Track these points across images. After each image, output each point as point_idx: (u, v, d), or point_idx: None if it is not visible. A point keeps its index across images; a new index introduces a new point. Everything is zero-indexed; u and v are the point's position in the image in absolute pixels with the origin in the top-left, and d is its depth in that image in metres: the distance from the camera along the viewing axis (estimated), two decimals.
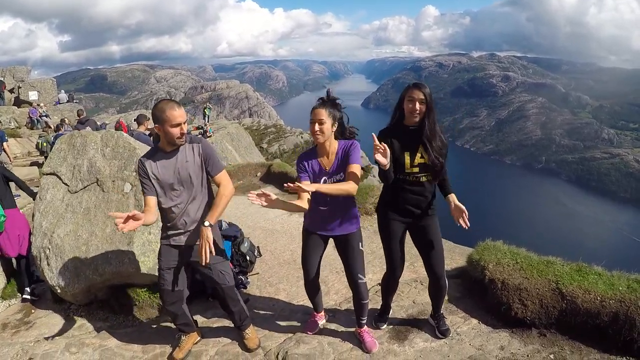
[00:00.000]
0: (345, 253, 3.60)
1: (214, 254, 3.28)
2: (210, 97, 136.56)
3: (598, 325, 3.51)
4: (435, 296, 3.78)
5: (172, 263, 3.59)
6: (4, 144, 13.92)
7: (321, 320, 4.16)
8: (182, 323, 3.84)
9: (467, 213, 3.31)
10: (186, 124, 3.32)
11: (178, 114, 3.20)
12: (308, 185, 3.00)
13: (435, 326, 3.87)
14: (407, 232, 3.64)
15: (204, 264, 3.25)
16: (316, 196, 3.23)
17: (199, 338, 4.07)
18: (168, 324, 4.52)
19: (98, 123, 18.26)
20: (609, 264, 4.11)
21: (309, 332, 4.03)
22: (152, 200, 3.41)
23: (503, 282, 4.02)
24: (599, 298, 3.56)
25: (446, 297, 4.47)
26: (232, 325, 4.06)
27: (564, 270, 3.97)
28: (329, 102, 3.30)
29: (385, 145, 3.04)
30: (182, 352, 3.85)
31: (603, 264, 4.10)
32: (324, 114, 3.23)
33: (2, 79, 30.66)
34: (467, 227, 3.27)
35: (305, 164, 3.45)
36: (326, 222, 3.54)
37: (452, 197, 3.47)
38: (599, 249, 55.16)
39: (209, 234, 3.25)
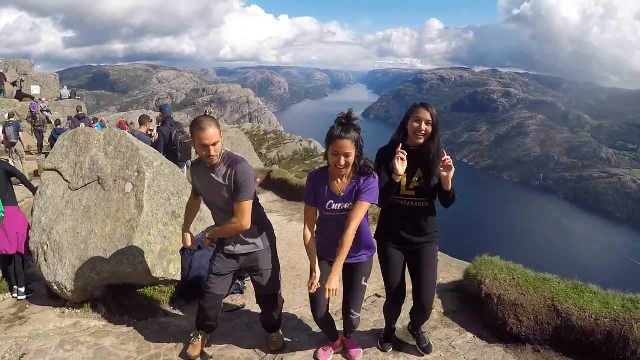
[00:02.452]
0: (346, 284, 3.44)
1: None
2: (211, 100, 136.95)
3: (592, 343, 3.54)
4: (415, 319, 3.71)
5: (223, 270, 3.60)
6: (20, 133, 14.67)
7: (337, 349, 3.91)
8: (209, 324, 3.82)
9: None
10: (218, 145, 3.19)
11: (205, 135, 3.11)
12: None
13: (417, 344, 3.80)
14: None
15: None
16: (327, 221, 3.26)
17: (209, 338, 4.04)
18: (163, 326, 4.53)
19: (90, 118, 20.15)
20: (604, 283, 4.14)
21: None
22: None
23: (499, 297, 4.03)
24: (593, 316, 3.59)
25: (442, 310, 4.50)
26: (226, 330, 4.13)
27: (560, 288, 4.00)
28: (351, 126, 2.97)
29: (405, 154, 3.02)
30: (197, 350, 3.82)
31: (598, 283, 4.12)
32: (350, 146, 2.94)
33: (2, 71, 30.68)
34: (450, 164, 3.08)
35: (313, 184, 3.27)
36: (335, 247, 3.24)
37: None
38: (594, 268, 55.20)
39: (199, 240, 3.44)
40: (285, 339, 4.09)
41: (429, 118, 3.14)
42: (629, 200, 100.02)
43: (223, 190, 3.34)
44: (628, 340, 3.37)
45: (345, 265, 3.24)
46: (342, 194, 3.17)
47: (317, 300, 3.37)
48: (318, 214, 3.33)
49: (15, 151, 14.48)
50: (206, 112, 36.06)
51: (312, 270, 3.24)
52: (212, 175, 3.34)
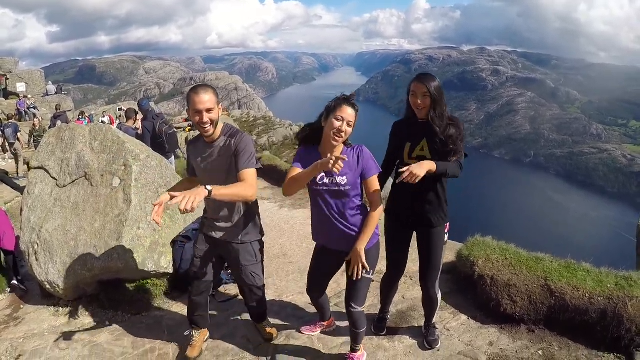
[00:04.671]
0: (348, 275, 3.21)
1: (196, 206, 2.59)
2: None
3: (586, 322, 3.55)
4: (426, 306, 3.68)
5: (206, 253, 3.53)
6: (18, 134, 15.44)
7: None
8: (200, 315, 3.75)
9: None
10: (212, 112, 3.05)
11: (199, 99, 2.99)
12: None
13: (425, 336, 3.76)
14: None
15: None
16: (318, 199, 3.10)
17: (208, 335, 3.99)
18: (157, 319, 4.51)
19: (66, 115, 20.42)
20: (597, 260, 4.15)
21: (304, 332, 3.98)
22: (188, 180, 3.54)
23: (492, 278, 4.04)
24: (587, 295, 3.60)
25: None
26: (220, 320, 4.14)
27: (553, 267, 4.01)
28: (354, 104, 2.93)
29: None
30: (195, 350, 3.76)
31: (591, 260, 4.13)
32: (354, 117, 2.89)
33: (1, 72, 30.79)
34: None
35: (304, 153, 3.11)
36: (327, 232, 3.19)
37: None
38: (587, 244, 55.69)
39: (199, 193, 2.66)
40: (280, 326, 4.11)
41: (425, 90, 3.08)
42: (619, 175, 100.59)
43: (225, 162, 3.20)
44: (622, 318, 3.38)
45: (347, 255, 3.14)
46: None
47: (313, 280, 3.49)
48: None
49: (15, 150, 15.09)
50: None
51: (315, 168, 2.73)
52: (214, 146, 3.23)
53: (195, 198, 2.53)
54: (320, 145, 3.05)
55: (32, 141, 16.63)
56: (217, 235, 3.46)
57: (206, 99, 3.01)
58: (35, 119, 17.82)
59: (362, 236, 3.00)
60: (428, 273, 3.43)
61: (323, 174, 2.97)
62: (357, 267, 3.02)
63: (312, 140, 3.09)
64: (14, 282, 5.48)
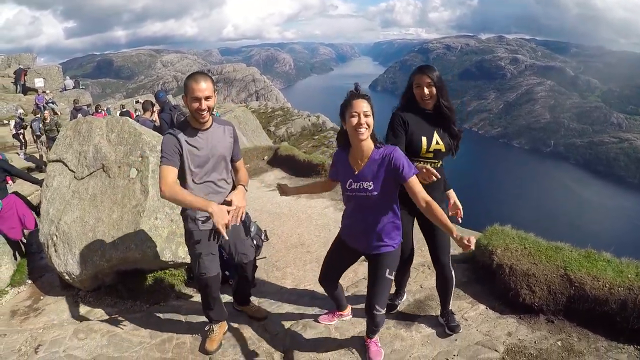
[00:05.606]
0: (370, 277, 3.20)
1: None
2: (217, 80, 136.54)
3: (606, 313, 3.48)
4: (441, 289, 3.64)
5: (212, 248, 3.51)
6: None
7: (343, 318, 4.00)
8: (218, 310, 3.76)
9: (462, 210, 3.34)
10: (210, 100, 3.12)
11: (198, 87, 3.04)
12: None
13: (445, 324, 3.70)
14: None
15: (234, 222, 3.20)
16: (348, 202, 3.12)
17: (226, 327, 3.97)
18: (175, 309, 4.54)
19: (86, 109, 21.26)
20: (618, 251, 4.06)
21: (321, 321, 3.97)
22: (173, 171, 3.14)
23: (511, 267, 3.99)
24: (607, 285, 3.52)
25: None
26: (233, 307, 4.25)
27: (573, 256, 3.94)
28: (364, 95, 2.90)
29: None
30: (215, 343, 3.75)
31: (612, 250, 4.05)
32: (366, 105, 2.82)
33: (21, 67, 31.28)
34: (460, 221, 3.28)
35: (336, 160, 3.17)
36: (358, 233, 3.16)
37: (452, 194, 3.47)
38: (606, 234, 54.92)
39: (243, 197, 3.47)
40: (296, 315, 4.16)
41: (429, 80, 3.16)
42: None
43: (228, 147, 3.40)
44: None
45: (368, 257, 3.17)
46: (360, 174, 2.95)
47: (327, 269, 3.49)
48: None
49: (42, 142, 16.25)
50: None
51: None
52: (210, 133, 3.29)
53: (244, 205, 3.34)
54: (351, 147, 3.01)
55: (42, 136, 16.69)
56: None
57: (205, 86, 3.08)
58: (45, 112, 17.65)
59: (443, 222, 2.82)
60: (443, 249, 3.46)
61: (350, 179, 2.99)
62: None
63: (347, 143, 3.06)
64: None
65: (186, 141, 3.20)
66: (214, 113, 3.35)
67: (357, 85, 3.01)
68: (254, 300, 4.47)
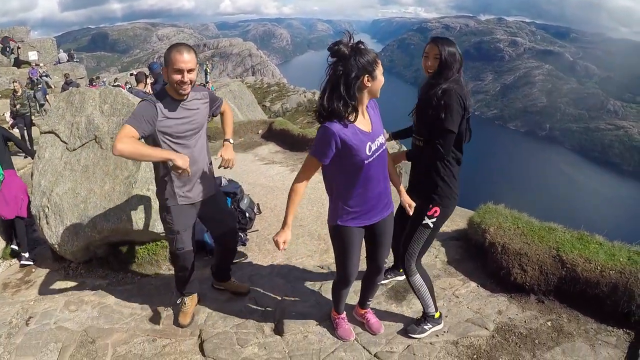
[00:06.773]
0: (377, 240, 3.02)
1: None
2: (213, 55, 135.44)
3: (597, 295, 3.49)
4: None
5: (189, 222, 3.48)
6: (47, 96, 18.59)
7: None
8: (191, 284, 3.75)
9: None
10: (192, 73, 3.03)
11: (182, 58, 2.93)
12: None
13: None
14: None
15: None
16: (370, 172, 2.68)
17: (197, 300, 3.96)
18: (166, 281, 4.55)
19: (76, 82, 22.13)
20: (610, 235, 4.06)
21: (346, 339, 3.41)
22: (134, 133, 2.91)
23: (503, 246, 3.99)
24: (599, 268, 3.53)
25: (445, 259, 4.49)
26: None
27: (566, 238, 3.95)
28: None
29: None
30: (188, 316, 3.75)
31: (604, 234, 4.06)
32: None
33: (6, 35, 31.02)
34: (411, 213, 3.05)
35: (332, 135, 2.49)
36: (381, 202, 2.88)
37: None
38: (599, 219, 55.14)
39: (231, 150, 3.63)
40: (287, 291, 4.16)
41: (437, 52, 2.95)
42: (635, 153, 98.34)
43: (206, 113, 3.42)
44: (633, 293, 3.31)
45: (376, 223, 2.91)
46: (373, 131, 2.65)
47: (355, 267, 3.03)
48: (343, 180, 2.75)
49: (45, 111, 16.88)
50: (206, 66, 35.75)
51: (286, 224, 2.88)
52: (190, 101, 3.24)
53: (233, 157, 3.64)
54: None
55: (14, 109, 12.79)
56: (198, 197, 3.45)
57: (188, 58, 2.99)
58: (14, 83, 13.36)
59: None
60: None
61: (369, 142, 2.59)
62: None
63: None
64: (24, 260, 5.35)
65: (163, 111, 3.11)
66: (209, 87, 3.34)
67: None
68: (245, 274, 4.47)
